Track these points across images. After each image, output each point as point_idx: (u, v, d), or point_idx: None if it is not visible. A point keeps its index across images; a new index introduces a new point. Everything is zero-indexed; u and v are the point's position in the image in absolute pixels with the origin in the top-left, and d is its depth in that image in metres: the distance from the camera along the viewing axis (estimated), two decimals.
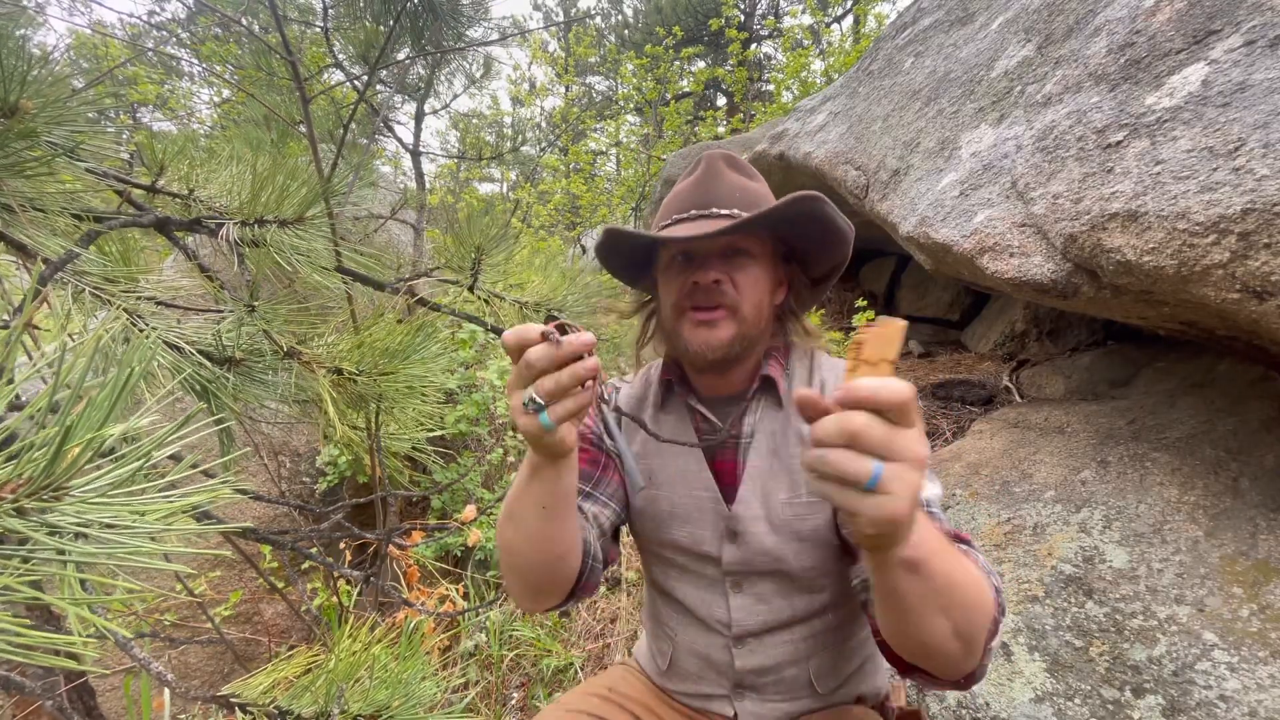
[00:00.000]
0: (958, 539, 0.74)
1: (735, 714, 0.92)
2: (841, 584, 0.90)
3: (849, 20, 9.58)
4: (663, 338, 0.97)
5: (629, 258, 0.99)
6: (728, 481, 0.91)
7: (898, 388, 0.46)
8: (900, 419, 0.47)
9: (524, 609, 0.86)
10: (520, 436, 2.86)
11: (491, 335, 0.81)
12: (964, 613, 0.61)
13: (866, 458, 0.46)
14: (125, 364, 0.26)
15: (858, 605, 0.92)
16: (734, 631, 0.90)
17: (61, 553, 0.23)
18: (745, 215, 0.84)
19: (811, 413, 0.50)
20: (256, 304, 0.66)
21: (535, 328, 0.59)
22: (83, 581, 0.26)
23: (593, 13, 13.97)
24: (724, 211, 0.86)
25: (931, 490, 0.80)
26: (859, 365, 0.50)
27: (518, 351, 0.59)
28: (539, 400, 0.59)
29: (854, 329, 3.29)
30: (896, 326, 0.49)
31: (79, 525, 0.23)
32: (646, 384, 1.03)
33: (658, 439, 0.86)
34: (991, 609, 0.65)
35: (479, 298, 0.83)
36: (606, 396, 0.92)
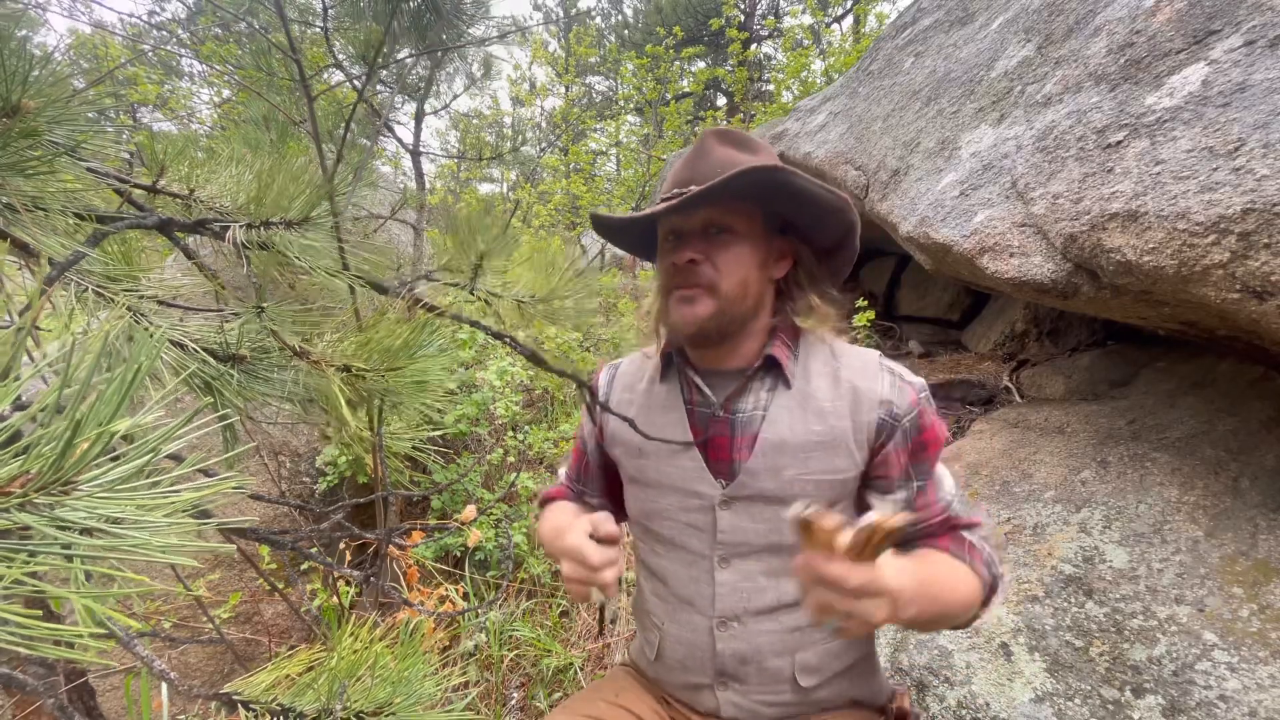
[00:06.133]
0: (970, 526, 0.89)
1: (719, 705, 0.92)
2: None
3: (849, 20, 9.59)
4: (661, 314, 0.99)
5: (632, 236, 1.03)
6: (718, 456, 0.92)
7: (858, 579, 0.62)
8: (861, 594, 0.63)
9: None
10: (518, 438, 2.87)
11: (492, 338, 0.83)
12: (956, 619, 0.83)
13: (830, 615, 0.65)
14: (134, 359, 0.26)
15: None
16: (717, 610, 0.90)
17: (68, 547, 0.23)
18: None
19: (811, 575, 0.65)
20: (265, 305, 0.66)
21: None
22: (86, 576, 0.27)
23: (593, 13, 13.98)
24: (700, 189, 0.87)
25: (947, 489, 0.91)
26: (858, 552, 0.63)
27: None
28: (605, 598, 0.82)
29: (855, 327, 3.29)
30: (887, 527, 0.62)
31: (87, 520, 0.23)
32: (646, 357, 1.05)
33: (645, 436, 0.94)
34: (976, 599, 0.84)
35: (478, 298, 0.83)
36: (595, 387, 1.06)
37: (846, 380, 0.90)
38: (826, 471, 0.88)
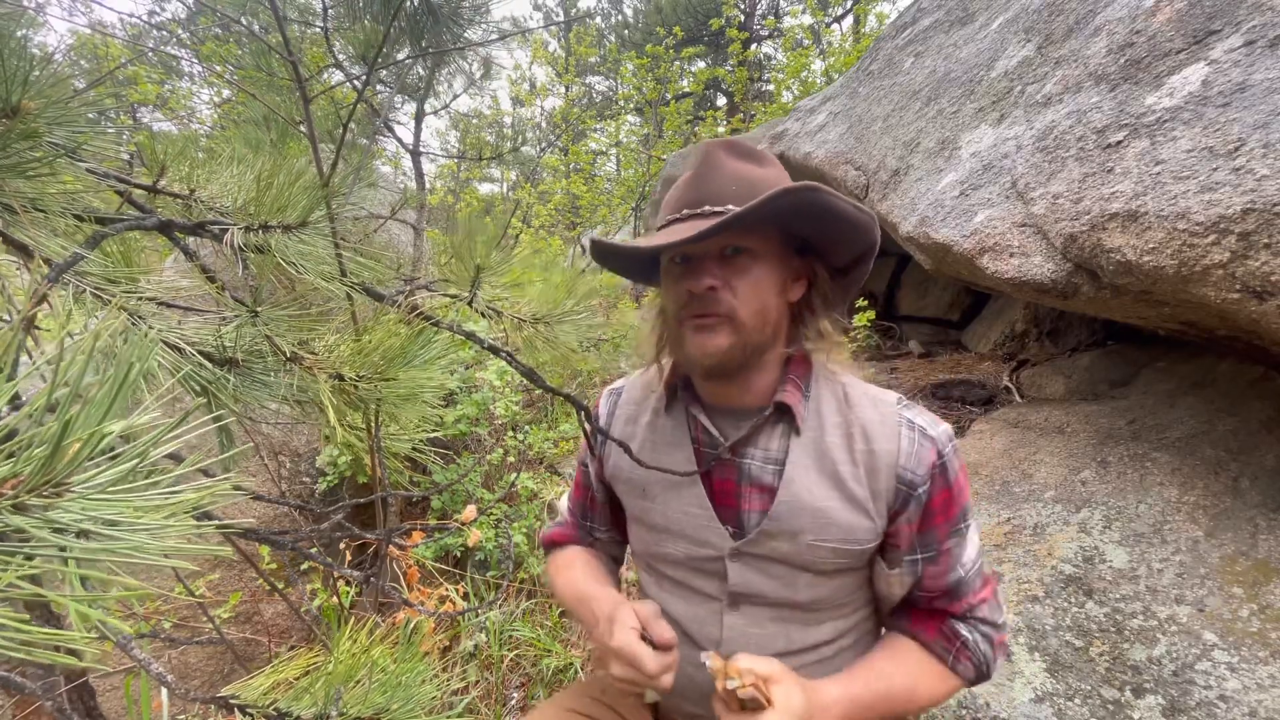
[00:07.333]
0: (978, 604, 0.85)
1: None
2: (844, 618, 0.87)
3: (849, 20, 9.59)
4: (669, 342, 0.91)
5: (632, 261, 0.95)
6: (724, 501, 0.87)
7: None
8: None
9: None
10: (518, 438, 2.87)
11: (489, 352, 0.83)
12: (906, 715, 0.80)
13: None
14: (125, 361, 0.26)
15: (858, 638, 0.90)
16: (723, 653, 0.85)
17: (63, 549, 0.23)
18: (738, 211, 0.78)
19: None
20: (260, 309, 0.66)
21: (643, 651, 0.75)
22: (83, 579, 0.26)
23: (593, 13, 13.99)
24: (716, 209, 0.78)
25: (965, 558, 0.84)
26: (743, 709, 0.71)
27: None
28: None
29: (854, 328, 3.29)
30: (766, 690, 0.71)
31: (80, 522, 0.23)
32: (648, 389, 0.97)
33: (642, 465, 0.88)
34: (939, 697, 0.83)
35: (478, 311, 0.82)
36: (595, 416, 1.02)
37: (861, 441, 0.83)
38: (845, 540, 0.81)
